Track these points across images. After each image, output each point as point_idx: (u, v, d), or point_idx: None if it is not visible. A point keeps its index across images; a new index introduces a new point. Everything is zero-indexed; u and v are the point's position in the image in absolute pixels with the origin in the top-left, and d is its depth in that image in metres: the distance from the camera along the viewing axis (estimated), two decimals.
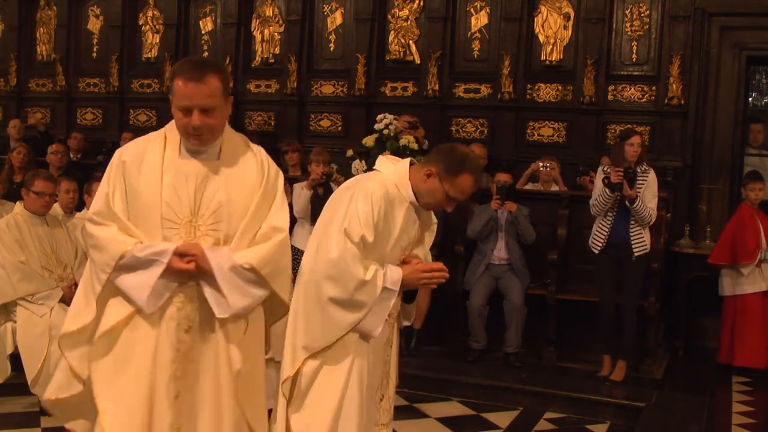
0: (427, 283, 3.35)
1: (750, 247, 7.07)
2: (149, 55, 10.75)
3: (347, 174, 7.75)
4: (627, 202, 6.41)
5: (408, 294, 3.46)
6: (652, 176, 6.57)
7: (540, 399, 6.40)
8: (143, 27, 10.79)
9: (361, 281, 3.16)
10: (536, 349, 7.17)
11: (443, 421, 6.05)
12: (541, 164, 7.87)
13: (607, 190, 6.41)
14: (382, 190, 3.28)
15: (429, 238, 3.67)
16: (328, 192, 7.40)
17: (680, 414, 6.08)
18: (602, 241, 6.59)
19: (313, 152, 7.79)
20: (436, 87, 9.11)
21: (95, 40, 11.01)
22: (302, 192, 7.36)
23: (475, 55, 9.19)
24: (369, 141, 7.99)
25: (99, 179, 7.14)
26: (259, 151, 3.46)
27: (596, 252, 6.65)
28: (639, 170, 6.48)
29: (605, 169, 6.53)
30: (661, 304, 6.96)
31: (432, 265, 3.38)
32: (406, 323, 3.56)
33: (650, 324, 6.83)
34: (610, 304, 6.66)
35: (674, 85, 8.31)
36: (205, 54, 10.44)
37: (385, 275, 3.23)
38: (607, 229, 6.57)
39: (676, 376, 6.98)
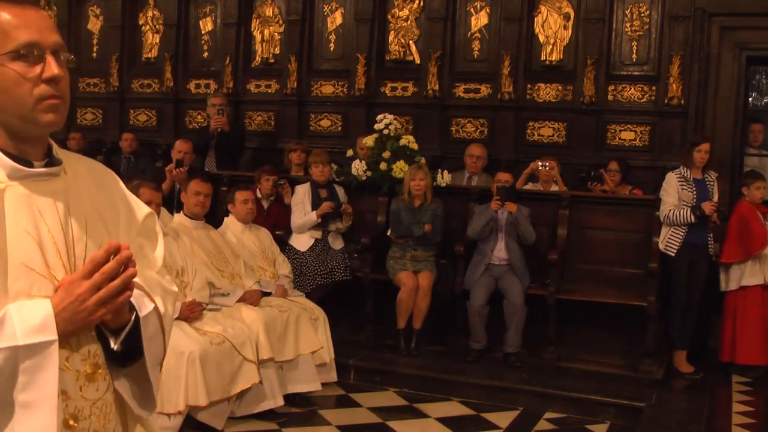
0: (106, 304, 1.77)
1: (760, 237, 7.10)
2: (149, 55, 10.74)
3: (347, 174, 7.76)
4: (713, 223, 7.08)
5: (127, 350, 1.91)
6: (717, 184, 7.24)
7: (540, 399, 6.41)
8: (143, 27, 10.77)
9: None
10: (536, 349, 7.16)
11: (443, 421, 6.05)
12: (540, 163, 7.87)
13: (693, 217, 6.93)
14: None
15: (151, 247, 2.10)
16: (332, 193, 7.50)
17: (680, 414, 6.09)
18: (678, 244, 6.99)
19: (312, 155, 7.83)
20: (436, 87, 9.10)
21: (95, 40, 11.01)
22: (308, 216, 7.40)
23: (475, 55, 9.19)
24: (369, 141, 8.00)
25: None
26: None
27: (672, 255, 7.02)
28: (707, 178, 7.13)
29: (700, 207, 6.96)
30: (660, 305, 6.96)
31: (96, 266, 1.76)
32: (144, 413, 2.03)
33: (650, 324, 6.82)
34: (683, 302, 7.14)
35: (674, 85, 8.30)
36: (205, 54, 10.44)
37: (4, 323, 1.68)
38: (682, 234, 7.00)
39: (676, 376, 6.98)
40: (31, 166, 1.84)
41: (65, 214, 1.86)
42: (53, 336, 1.71)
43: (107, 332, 1.88)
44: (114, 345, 1.88)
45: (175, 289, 2.12)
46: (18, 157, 1.82)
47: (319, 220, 7.42)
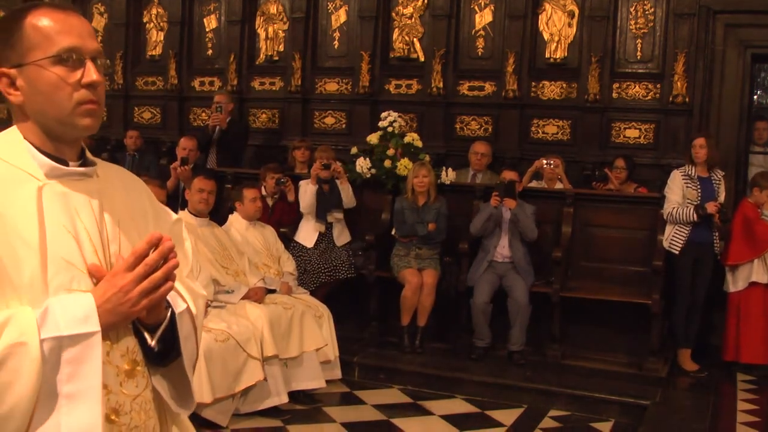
0: (149, 295, 1.78)
1: (767, 236, 7.09)
2: (153, 53, 10.75)
3: (352, 173, 7.76)
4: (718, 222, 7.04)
5: (164, 349, 1.94)
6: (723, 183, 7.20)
7: (544, 396, 6.41)
8: (147, 25, 10.78)
9: None
10: (540, 346, 7.16)
11: (447, 418, 6.05)
12: (545, 161, 7.86)
13: (695, 216, 6.89)
14: None
15: (179, 252, 1.99)
16: (334, 188, 7.45)
17: (685, 412, 6.09)
18: (682, 242, 6.96)
19: (318, 150, 7.88)
20: (441, 84, 9.10)
21: (99, 38, 10.89)
22: (308, 187, 7.42)
23: (480, 53, 9.18)
24: (373, 138, 8.00)
25: None
26: None
27: (676, 253, 7.01)
28: (713, 176, 7.10)
29: (703, 206, 6.91)
30: (665, 303, 6.95)
31: (138, 259, 1.77)
32: (183, 411, 2.06)
33: (654, 322, 6.82)
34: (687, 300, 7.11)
35: (679, 83, 8.29)
36: (210, 52, 10.45)
37: (47, 315, 1.69)
38: (686, 232, 6.98)
39: (681, 374, 6.97)
40: (66, 165, 1.87)
41: (100, 213, 1.89)
42: (96, 327, 1.73)
43: (144, 329, 1.90)
44: (151, 341, 1.90)
45: (204, 292, 2.16)
46: (55, 157, 1.86)
47: (316, 186, 7.43)
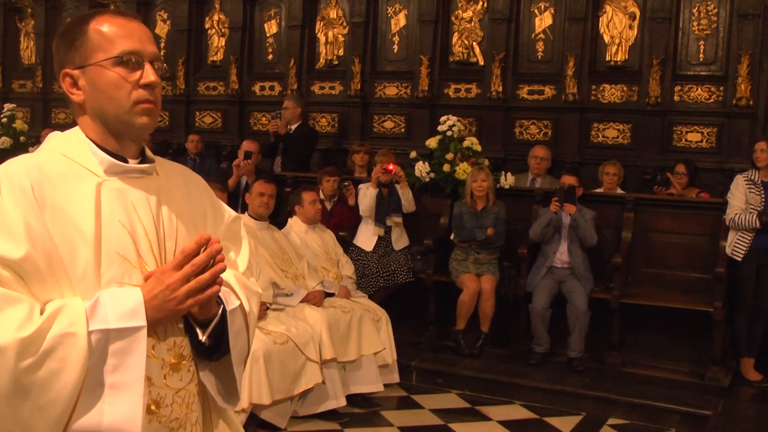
0: (195, 295, 1.86)
1: None
2: (215, 58, 10.93)
3: (411, 177, 7.78)
4: None
5: (215, 344, 2.00)
6: None
7: (603, 404, 6.34)
8: (209, 31, 10.97)
9: (20, 342, 1.65)
10: (600, 353, 7.09)
11: (505, 424, 6.04)
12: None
13: (758, 223, 6.69)
14: (21, 166, 1.85)
15: (236, 250, 2.23)
16: (393, 192, 7.48)
17: (747, 422, 5.98)
18: (745, 249, 6.77)
19: (378, 154, 7.94)
20: (500, 88, 9.07)
21: (162, 44, 11.21)
22: (368, 191, 7.47)
23: (539, 56, 9.13)
24: (432, 142, 8.00)
25: None
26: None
27: (739, 260, 6.80)
28: None
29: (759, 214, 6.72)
30: (727, 310, 6.83)
31: (187, 258, 1.85)
32: (228, 407, 2.13)
33: (716, 330, 6.71)
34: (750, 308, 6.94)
35: (743, 86, 8.13)
36: (270, 57, 10.57)
37: (97, 307, 1.77)
38: (749, 239, 6.78)
39: (744, 384, 6.84)
40: (126, 163, 1.97)
41: (157, 210, 1.98)
42: (142, 322, 1.80)
43: (195, 324, 1.97)
44: (202, 337, 1.97)
45: (259, 290, 2.22)
46: (115, 154, 1.96)
47: (376, 190, 7.46)
